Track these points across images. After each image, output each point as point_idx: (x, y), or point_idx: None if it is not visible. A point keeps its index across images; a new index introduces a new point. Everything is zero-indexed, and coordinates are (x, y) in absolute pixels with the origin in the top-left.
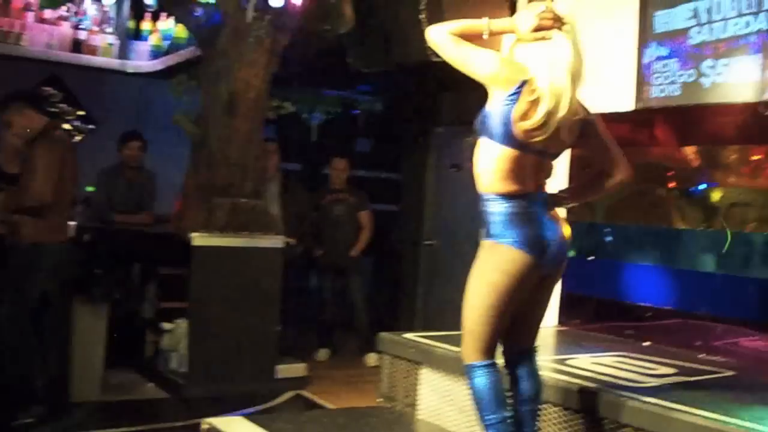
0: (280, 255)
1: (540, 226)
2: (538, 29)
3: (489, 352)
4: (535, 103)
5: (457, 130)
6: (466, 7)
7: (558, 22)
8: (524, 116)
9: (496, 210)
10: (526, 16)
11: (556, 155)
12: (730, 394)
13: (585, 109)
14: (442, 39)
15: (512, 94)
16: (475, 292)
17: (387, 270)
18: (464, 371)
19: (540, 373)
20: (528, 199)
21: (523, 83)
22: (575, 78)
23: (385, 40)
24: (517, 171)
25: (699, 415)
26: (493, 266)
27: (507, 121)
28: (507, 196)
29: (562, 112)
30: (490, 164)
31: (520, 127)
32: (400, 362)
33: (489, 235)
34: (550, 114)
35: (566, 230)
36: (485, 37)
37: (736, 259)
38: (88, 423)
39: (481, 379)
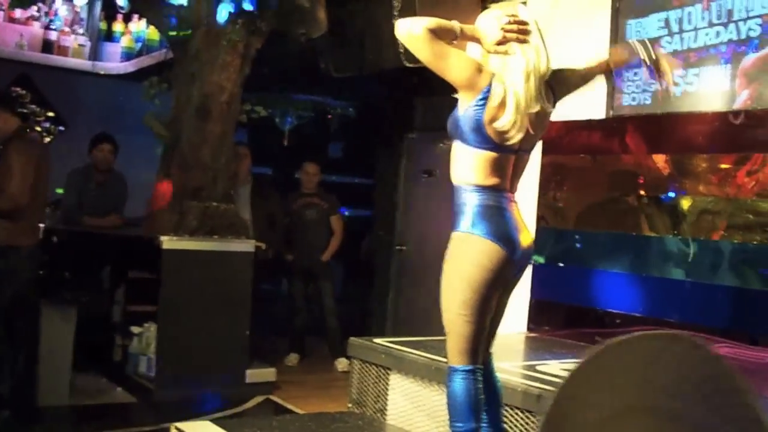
0: (251, 259)
1: (512, 223)
2: (501, 42)
3: (472, 354)
4: (502, 105)
5: (429, 135)
6: (439, 13)
7: (522, 33)
8: (494, 119)
9: (470, 201)
10: (491, 26)
11: (529, 150)
12: None
13: (552, 96)
14: (419, 33)
15: (481, 99)
16: (451, 290)
17: (358, 275)
18: (447, 374)
19: (499, 378)
20: (502, 193)
21: (489, 87)
22: (538, 75)
23: (358, 46)
24: (493, 168)
25: None
26: (468, 260)
27: (479, 125)
28: (483, 188)
29: (532, 109)
30: (466, 165)
31: (493, 129)
32: (370, 368)
33: (461, 227)
34: (518, 114)
35: (530, 235)
36: (455, 41)
37: (705, 266)
38: (56, 428)
39: (458, 384)
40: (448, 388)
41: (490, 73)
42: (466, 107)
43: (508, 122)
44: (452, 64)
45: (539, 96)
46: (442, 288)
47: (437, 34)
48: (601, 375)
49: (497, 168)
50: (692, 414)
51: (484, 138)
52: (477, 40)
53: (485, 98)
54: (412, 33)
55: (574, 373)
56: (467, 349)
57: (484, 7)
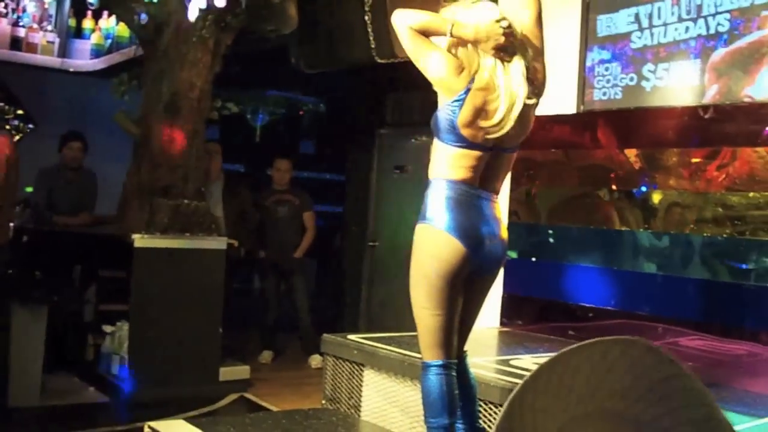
0: (223, 256)
1: (480, 219)
2: (498, 47)
3: (443, 349)
4: (486, 105)
5: (400, 131)
6: (410, 7)
7: (514, 38)
8: (473, 120)
9: (436, 194)
10: (489, 29)
11: (510, 149)
12: None
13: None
14: (402, 30)
15: (456, 100)
16: (414, 282)
17: (331, 271)
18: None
19: (473, 374)
20: (472, 188)
21: (468, 89)
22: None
23: (329, 41)
24: (463, 164)
25: None
26: (428, 253)
27: (452, 124)
28: (450, 182)
29: (516, 111)
30: (438, 159)
31: (468, 129)
32: (343, 364)
33: (423, 218)
34: (508, 113)
35: (505, 232)
36: (446, 42)
37: (676, 259)
38: (27, 429)
39: (431, 380)
40: (422, 384)
41: (469, 76)
42: (441, 106)
43: (496, 121)
44: (430, 64)
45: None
46: (410, 281)
47: (425, 32)
48: (556, 382)
49: (467, 164)
50: (650, 416)
51: (457, 137)
52: (467, 41)
53: (462, 99)
54: (397, 29)
55: (528, 381)
56: (436, 344)
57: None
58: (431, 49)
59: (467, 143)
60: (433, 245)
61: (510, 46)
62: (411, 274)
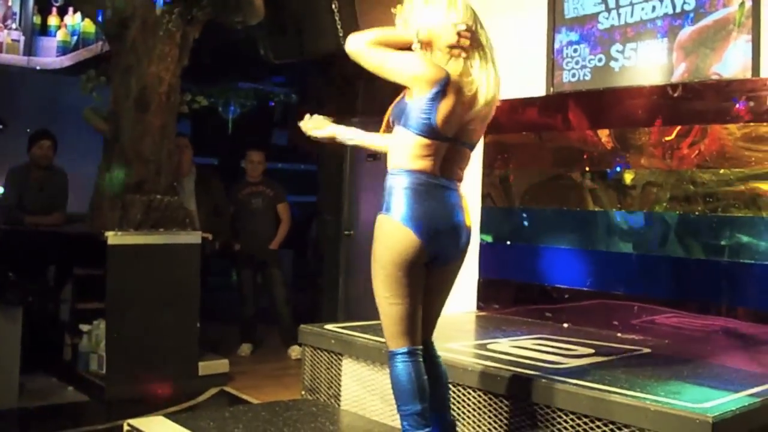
0: (198, 251)
1: (440, 208)
2: (453, 47)
3: (407, 336)
4: (464, 93)
5: (371, 119)
6: None
7: (474, 42)
8: (452, 110)
9: (396, 184)
10: (447, 31)
11: (471, 145)
12: (647, 371)
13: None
14: (359, 48)
15: (437, 92)
16: (375, 275)
17: (307, 262)
18: (388, 359)
19: (442, 360)
20: (433, 177)
21: (447, 82)
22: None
23: (297, 31)
24: (428, 155)
25: (617, 393)
26: (384, 244)
27: (430, 116)
28: (411, 172)
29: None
30: (403, 148)
31: (445, 120)
32: (321, 354)
33: (384, 209)
34: (485, 107)
35: (469, 220)
36: (415, 47)
37: (650, 238)
38: (7, 431)
39: (399, 368)
40: (391, 373)
41: (442, 69)
42: (418, 99)
43: (474, 113)
44: (403, 63)
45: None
46: (371, 272)
47: (384, 45)
48: None
49: (429, 153)
50: None
51: (429, 128)
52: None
53: (442, 89)
54: (354, 51)
55: None
56: (400, 332)
57: None
58: (396, 53)
59: (434, 134)
60: (390, 237)
61: (471, 48)
62: (372, 265)
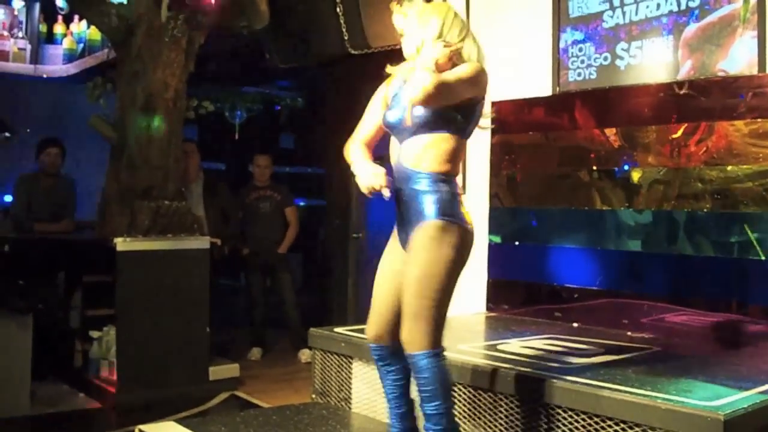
0: (207, 256)
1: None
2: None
3: (442, 337)
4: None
5: None
6: (381, 1)
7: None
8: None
9: (445, 189)
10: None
11: None
12: (658, 369)
13: None
14: (438, 87)
15: (484, 96)
16: (433, 276)
17: (316, 265)
18: (419, 360)
19: None
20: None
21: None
22: None
23: (303, 35)
24: (461, 157)
25: (628, 392)
26: (452, 247)
27: (473, 119)
28: (453, 176)
29: None
30: (446, 153)
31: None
32: (331, 357)
33: (440, 214)
34: None
35: None
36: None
37: (659, 236)
38: None
39: (443, 364)
40: (432, 373)
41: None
42: (471, 102)
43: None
44: (472, 78)
45: None
46: (417, 275)
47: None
48: None
49: (462, 155)
50: None
51: (469, 131)
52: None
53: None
54: (434, 93)
55: None
56: (440, 332)
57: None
58: (468, 72)
59: (468, 136)
60: (459, 240)
61: None
62: (431, 268)
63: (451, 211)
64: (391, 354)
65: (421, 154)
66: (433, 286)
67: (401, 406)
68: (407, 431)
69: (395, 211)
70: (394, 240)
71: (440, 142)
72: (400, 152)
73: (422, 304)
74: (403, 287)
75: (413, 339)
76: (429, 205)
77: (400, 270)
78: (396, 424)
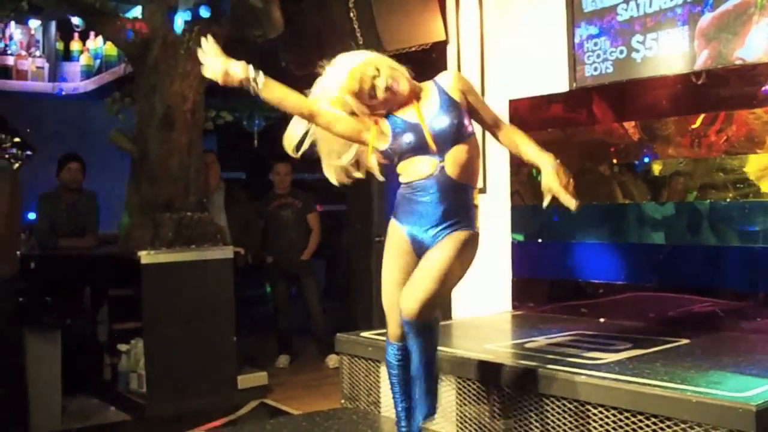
0: (230, 265)
1: None
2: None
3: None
4: None
5: None
6: (395, 2)
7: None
8: None
9: (473, 201)
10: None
11: None
12: (687, 362)
13: None
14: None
15: None
16: (450, 269)
17: (340, 270)
18: (422, 327)
19: None
20: None
21: None
22: None
23: (318, 42)
24: None
25: (658, 386)
26: (472, 260)
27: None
28: None
29: None
30: (478, 164)
31: None
32: (359, 362)
33: (474, 227)
34: None
35: None
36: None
37: (683, 228)
38: None
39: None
40: (429, 342)
41: None
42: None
43: None
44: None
45: None
46: (440, 268)
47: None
48: None
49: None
50: None
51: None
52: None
53: None
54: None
55: None
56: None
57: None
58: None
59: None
60: (475, 251)
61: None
62: (451, 266)
63: (476, 223)
64: (407, 350)
65: (466, 167)
66: (445, 272)
67: (407, 400)
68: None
69: (414, 217)
70: (405, 244)
71: (474, 150)
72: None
73: (432, 281)
74: (418, 267)
75: (422, 306)
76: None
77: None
78: (404, 417)
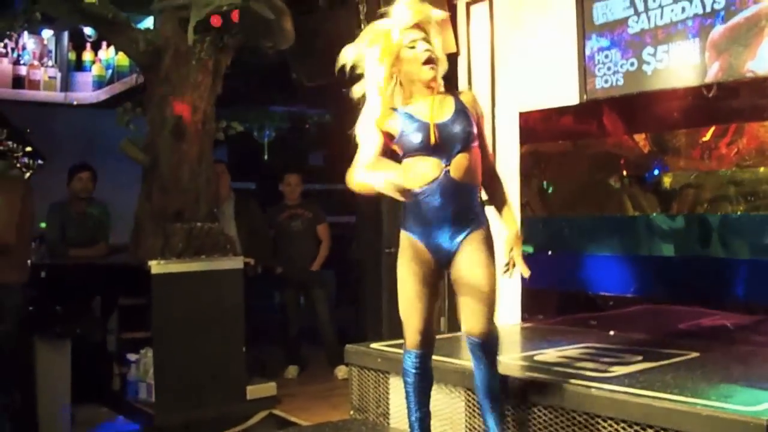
0: (240, 275)
1: None
2: None
3: None
4: None
5: None
6: None
7: None
8: None
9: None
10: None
11: None
12: (697, 375)
13: None
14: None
15: None
16: (493, 275)
17: (350, 281)
18: (492, 342)
19: None
20: None
21: None
22: None
23: (328, 53)
24: None
25: (668, 399)
26: (494, 244)
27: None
28: None
29: None
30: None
31: None
32: (368, 373)
33: (482, 223)
34: None
35: None
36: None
37: (693, 241)
38: None
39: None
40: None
41: None
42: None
43: None
44: None
45: None
46: (483, 274)
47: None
48: None
49: None
50: None
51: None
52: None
53: None
54: None
55: None
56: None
57: (451, 5)
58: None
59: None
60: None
61: None
62: (493, 282)
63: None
64: (430, 359)
65: (475, 172)
66: (493, 288)
67: (422, 408)
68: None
69: (425, 224)
70: (422, 254)
71: (476, 155)
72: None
73: (486, 294)
74: (468, 285)
75: (482, 323)
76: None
77: (434, 282)
78: (417, 427)
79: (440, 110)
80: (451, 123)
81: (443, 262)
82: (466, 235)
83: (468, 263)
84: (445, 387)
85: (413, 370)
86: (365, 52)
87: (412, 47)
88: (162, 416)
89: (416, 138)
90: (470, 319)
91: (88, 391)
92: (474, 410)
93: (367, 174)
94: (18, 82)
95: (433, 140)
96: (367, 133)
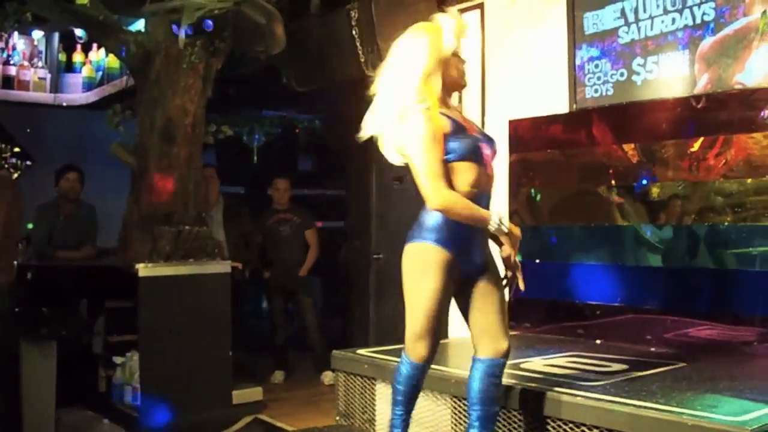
0: (228, 280)
1: None
2: None
3: None
4: None
5: None
6: (397, 20)
7: None
8: None
9: None
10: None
11: None
12: (683, 385)
13: None
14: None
15: None
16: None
17: (337, 287)
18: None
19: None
20: None
21: None
22: None
23: (319, 59)
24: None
25: (653, 408)
26: None
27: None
28: None
29: None
30: None
31: None
32: (355, 379)
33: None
34: None
35: None
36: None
37: (680, 251)
38: None
39: None
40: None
41: None
42: None
43: None
44: None
45: None
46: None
47: None
48: None
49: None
50: None
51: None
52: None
53: None
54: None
55: None
56: None
57: (442, 11)
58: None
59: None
60: None
61: None
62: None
63: None
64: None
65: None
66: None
67: (407, 413)
68: None
69: (464, 237)
70: (452, 266)
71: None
72: (487, 179)
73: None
74: (496, 300)
75: (508, 339)
76: None
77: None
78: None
79: (472, 122)
80: (487, 134)
81: (472, 276)
82: (490, 259)
83: (495, 276)
84: (431, 394)
85: (414, 382)
86: (414, 39)
87: (457, 55)
88: (147, 420)
89: (468, 145)
90: (497, 337)
91: (73, 394)
92: (460, 417)
93: (461, 208)
94: (7, 82)
95: (488, 151)
96: (426, 133)
